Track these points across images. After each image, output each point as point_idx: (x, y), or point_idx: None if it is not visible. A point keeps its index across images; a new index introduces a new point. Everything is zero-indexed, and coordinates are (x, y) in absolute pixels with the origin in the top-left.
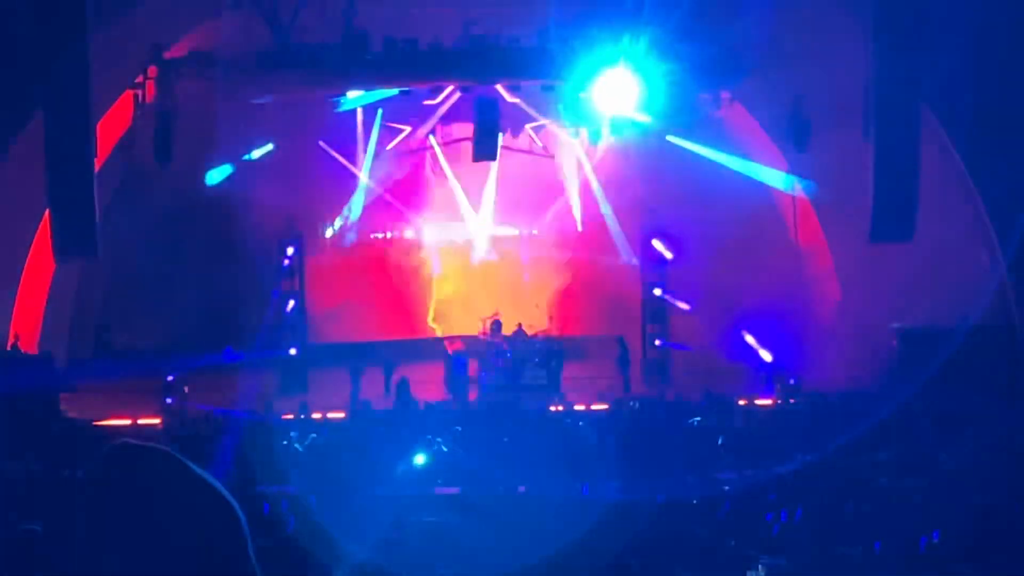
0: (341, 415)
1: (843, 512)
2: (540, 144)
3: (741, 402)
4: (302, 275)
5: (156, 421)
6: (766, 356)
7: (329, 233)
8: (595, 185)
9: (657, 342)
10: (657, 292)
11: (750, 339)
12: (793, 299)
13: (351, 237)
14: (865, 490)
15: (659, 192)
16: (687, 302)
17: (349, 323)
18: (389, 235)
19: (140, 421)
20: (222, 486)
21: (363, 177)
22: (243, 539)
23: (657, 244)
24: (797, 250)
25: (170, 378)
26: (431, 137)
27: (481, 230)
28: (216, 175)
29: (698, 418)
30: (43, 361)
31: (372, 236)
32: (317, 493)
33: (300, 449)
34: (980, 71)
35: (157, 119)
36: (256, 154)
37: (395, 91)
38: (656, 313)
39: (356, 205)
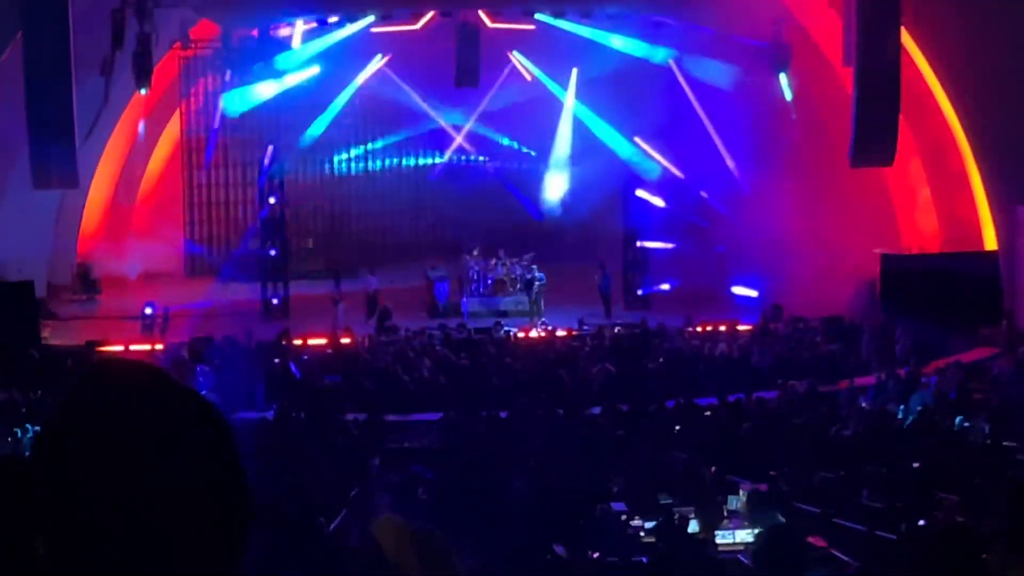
0: (323, 341)
1: (824, 438)
2: (527, 73)
3: (723, 328)
4: (283, 213)
5: (146, 348)
6: (751, 293)
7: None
8: (582, 111)
9: (640, 292)
10: (639, 244)
11: (738, 289)
12: (776, 225)
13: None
14: (847, 415)
15: (644, 120)
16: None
17: (331, 249)
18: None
19: (131, 348)
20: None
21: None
22: (236, 454)
23: (642, 194)
24: (782, 173)
25: (150, 307)
26: None
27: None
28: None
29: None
30: (24, 289)
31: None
32: (296, 420)
33: (279, 376)
34: None
35: (136, 44)
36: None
37: (373, 17)
38: (637, 259)
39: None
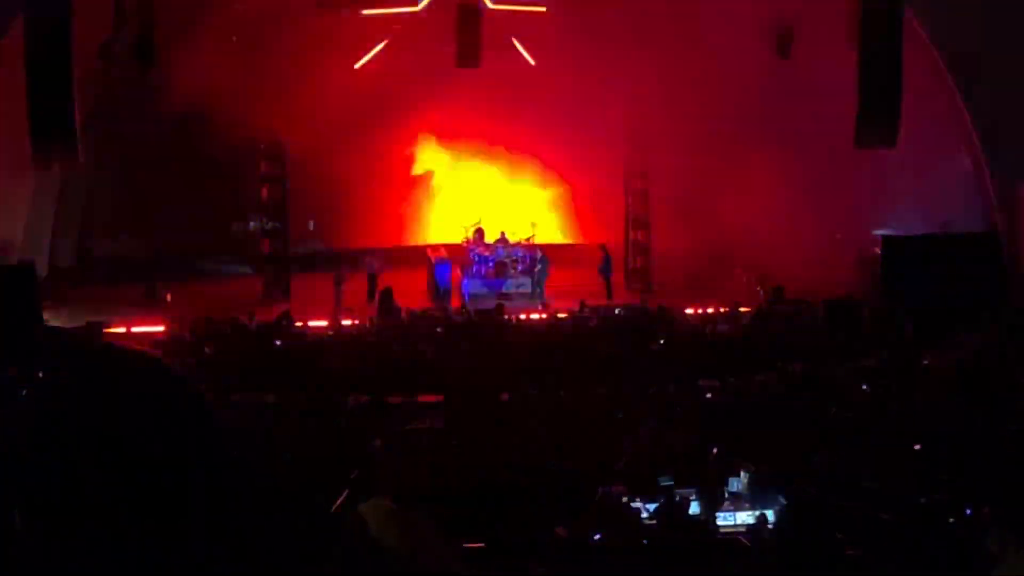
0: (324, 323)
1: (826, 418)
2: (528, 57)
3: (723, 310)
4: (284, 183)
5: (148, 329)
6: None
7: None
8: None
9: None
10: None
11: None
12: (777, 204)
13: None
14: (848, 396)
15: (643, 99)
16: (672, 204)
17: (334, 230)
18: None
19: (134, 329)
20: (201, 394)
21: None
22: (221, 450)
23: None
24: (782, 155)
25: (153, 286)
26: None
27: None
28: None
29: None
30: (25, 269)
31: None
32: (298, 402)
33: (279, 358)
34: None
35: (138, 24)
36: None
37: None
38: (638, 220)
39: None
